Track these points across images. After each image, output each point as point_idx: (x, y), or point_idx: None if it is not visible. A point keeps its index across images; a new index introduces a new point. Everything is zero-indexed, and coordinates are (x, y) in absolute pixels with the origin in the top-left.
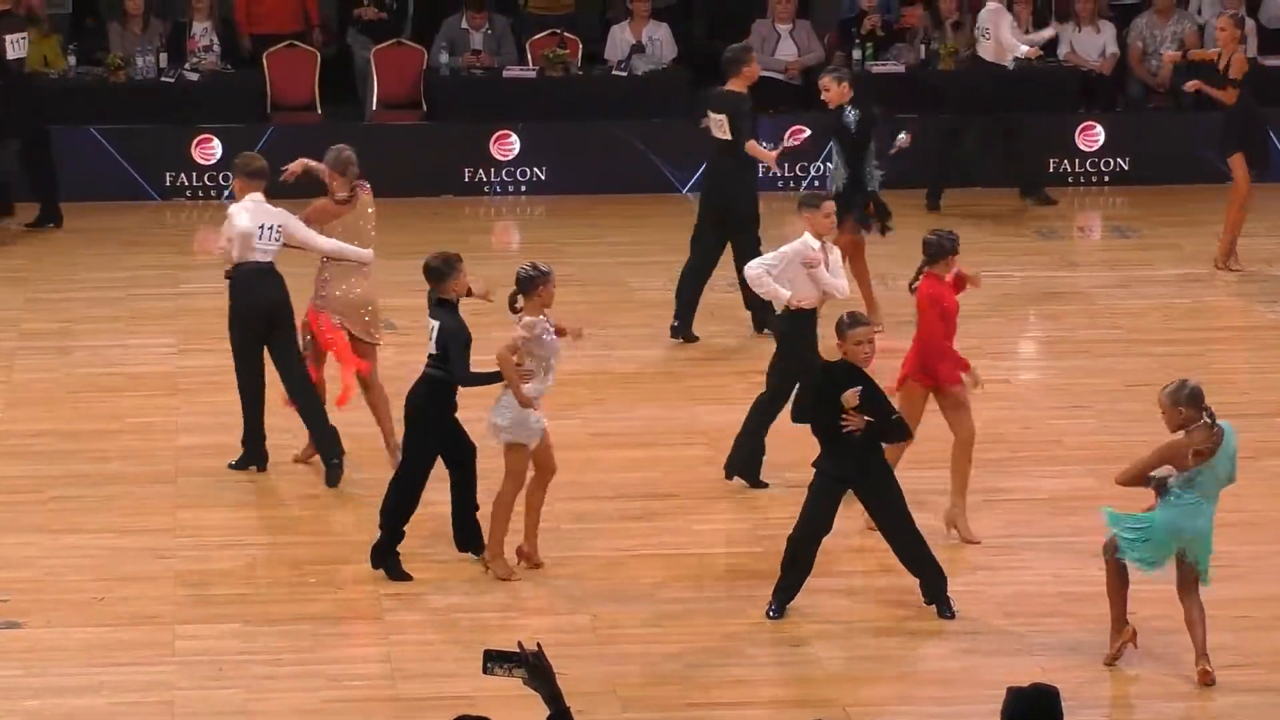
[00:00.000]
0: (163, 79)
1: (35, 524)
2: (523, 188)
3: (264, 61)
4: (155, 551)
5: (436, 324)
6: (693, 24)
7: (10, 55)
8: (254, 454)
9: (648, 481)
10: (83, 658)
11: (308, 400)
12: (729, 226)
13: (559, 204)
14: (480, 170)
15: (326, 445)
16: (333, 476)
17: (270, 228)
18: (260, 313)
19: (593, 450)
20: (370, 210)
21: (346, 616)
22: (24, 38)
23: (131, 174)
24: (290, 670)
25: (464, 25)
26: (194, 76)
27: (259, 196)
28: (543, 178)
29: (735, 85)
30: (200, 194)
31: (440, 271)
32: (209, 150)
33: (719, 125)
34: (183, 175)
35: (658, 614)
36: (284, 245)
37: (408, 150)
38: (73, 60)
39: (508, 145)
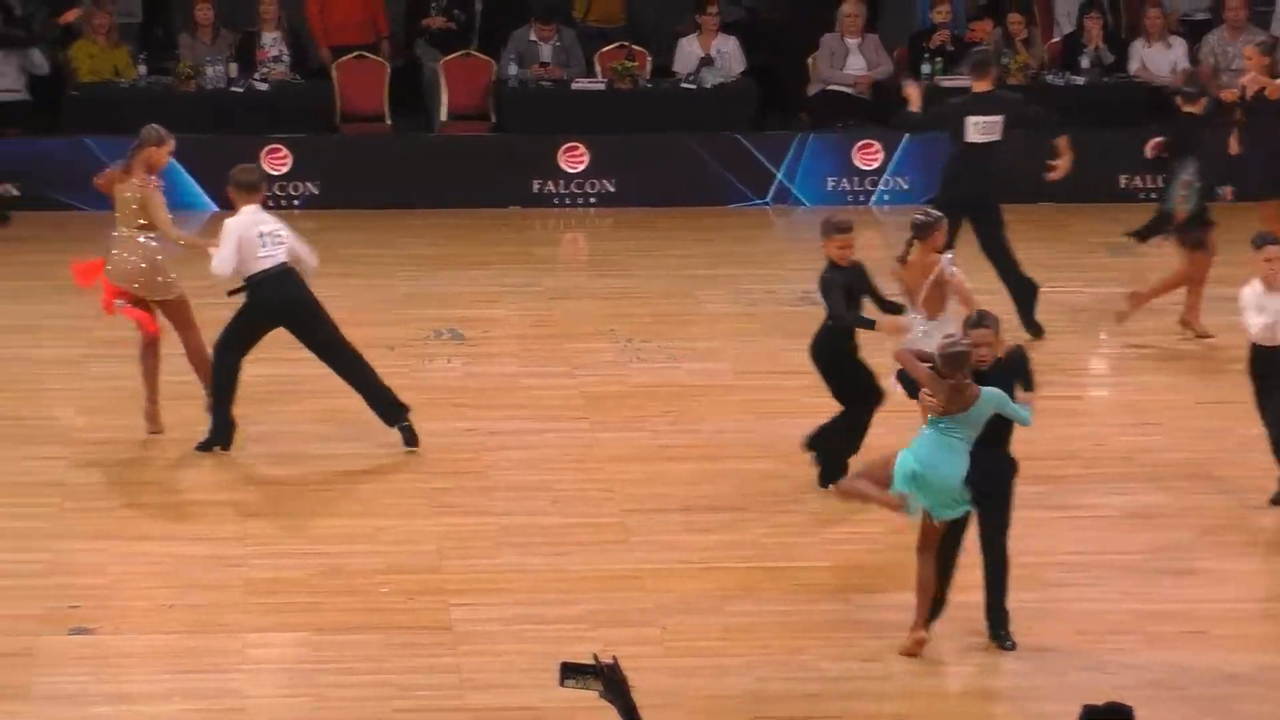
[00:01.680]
0: (232, 89)
1: (106, 531)
2: (591, 200)
3: (333, 72)
4: (225, 559)
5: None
6: (761, 37)
7: None
8: (220, 437)
9: (715, 494)
10: (153, 665)
11: (358, 374)
12: (980, 226)
13: (626, 216)
14: (549, 182)
15: (390, 412)
16: (408, 437)
17: (271, 233)
18: (278, 311)
19: (660, 462)
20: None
21: (417, 626)
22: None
23: (195, 184)
24: (360, 679)
25: (532, 37)
26: (263, 87)
27: (255, 207)
28: (611, 190)
29: (981, 87)
30: (270, 203)
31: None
32: (279, 160)
33: (986, 127)
34: None
35: (726, 627)
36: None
37: (476, 162)
38: (143, 70)
39: (576, 157)
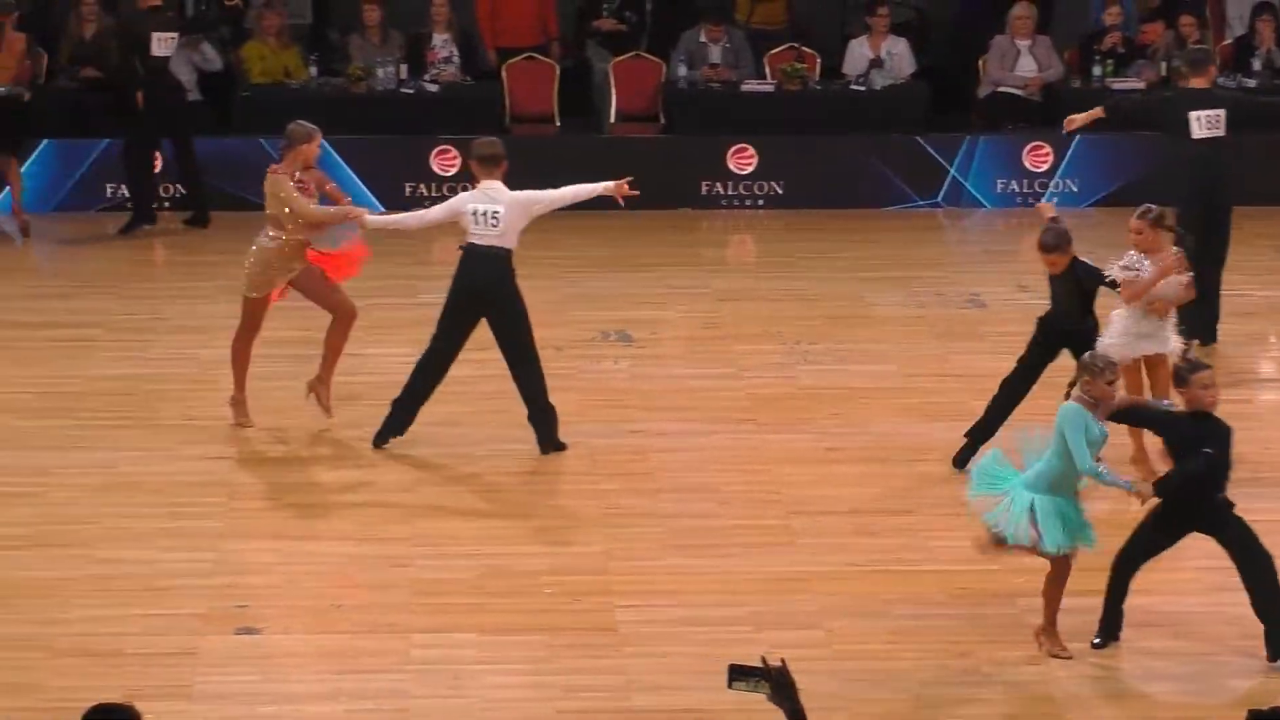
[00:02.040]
0: (402, 90)
1: (273, 530)
2: (760, 201)
3: (503, 74)
4: (392, 559)
5: None
6: (931, 38)
7: (155, 52)
8: (399, 424)
9: (882, 497)
10: (319, 664)
11: (528, 374)
12: (1211, 225)
13: (795, 218)
14: (717, 183)
15: (544, 426)
16: (547, 449)
17: (485, 213)
18: (468, 290)
19: (827, 465)
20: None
21: (581, 627)
22: (173, 38)
23: (361, 185)
24: (525, 680)
25: (702, 38)
26: (433, 88)
27: (491, 184)
28: (779, 191)
29: (1200, 83)
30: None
31: None
32: (448, 161)
33: (1210, 122)
34: (422, 186)
35: (892, 630)
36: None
37: (645, 163)
38: (313, 71)
39: (746, 159)
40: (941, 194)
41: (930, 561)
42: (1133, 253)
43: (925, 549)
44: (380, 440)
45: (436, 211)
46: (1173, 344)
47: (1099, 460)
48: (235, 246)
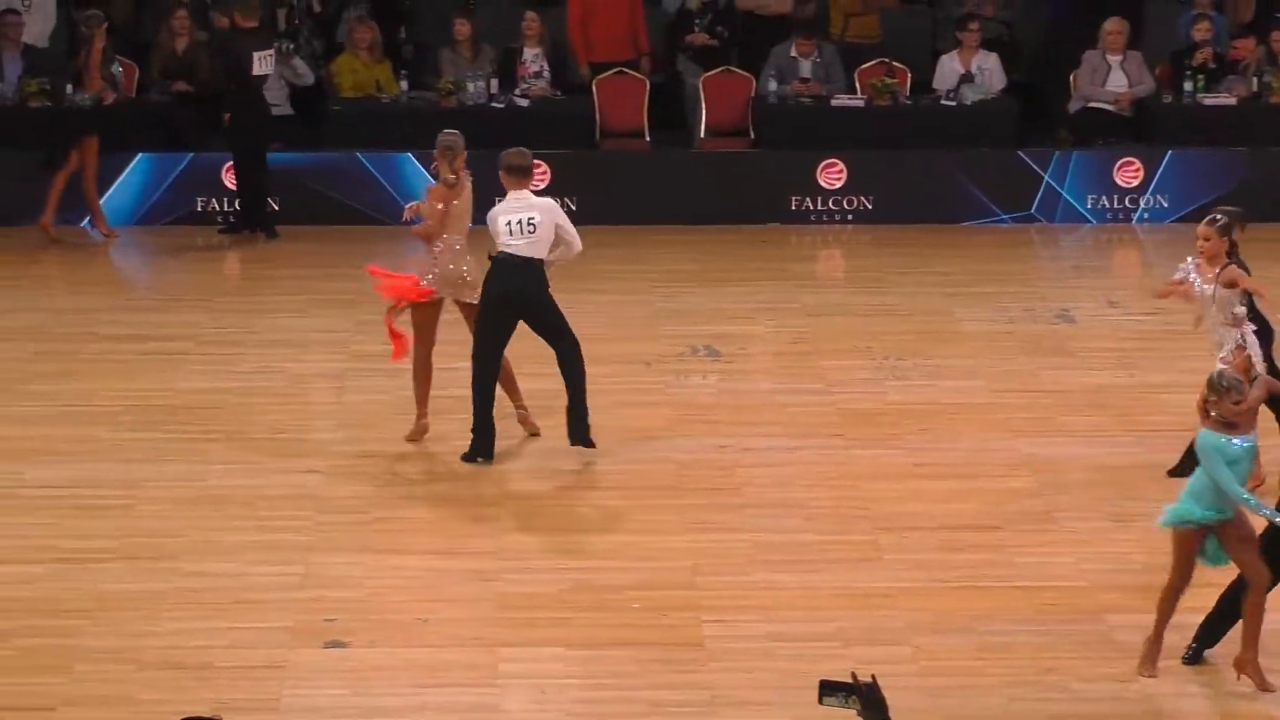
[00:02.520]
0: (492, 104)
1: (361, 544)
2: (849, 216)
3: (594, 88)
4: (479, 573)
5: None
6: (1023, 54)
7: (256, 71)
8: (482, 446)
9: (970, 513)
10: (406, 678)
11: (574, 374)
12: None
13: (884, 233)
14: (807, 198)
15: (580, 430)
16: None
17: (520, 222)
18: (501, 298)
19: (916, 480)
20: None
21: (668, 643)
22: (270, 56)
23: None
24: (612, 695)
25: (793, 53)
26: (524, 103)
27: (522, 193)
28: (869, 206)
29: None
30: None
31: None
32: (537, 176)
33: None
34: None
35: (980, 646)
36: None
37: (735, 178)
38: (404, 85)
39: (835, 174)
40: (1031, 209)
41: (1018, 578)
42: (1190, 259)
43: (1013, 565)
44: (470, 457)
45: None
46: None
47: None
48: (324, 261)
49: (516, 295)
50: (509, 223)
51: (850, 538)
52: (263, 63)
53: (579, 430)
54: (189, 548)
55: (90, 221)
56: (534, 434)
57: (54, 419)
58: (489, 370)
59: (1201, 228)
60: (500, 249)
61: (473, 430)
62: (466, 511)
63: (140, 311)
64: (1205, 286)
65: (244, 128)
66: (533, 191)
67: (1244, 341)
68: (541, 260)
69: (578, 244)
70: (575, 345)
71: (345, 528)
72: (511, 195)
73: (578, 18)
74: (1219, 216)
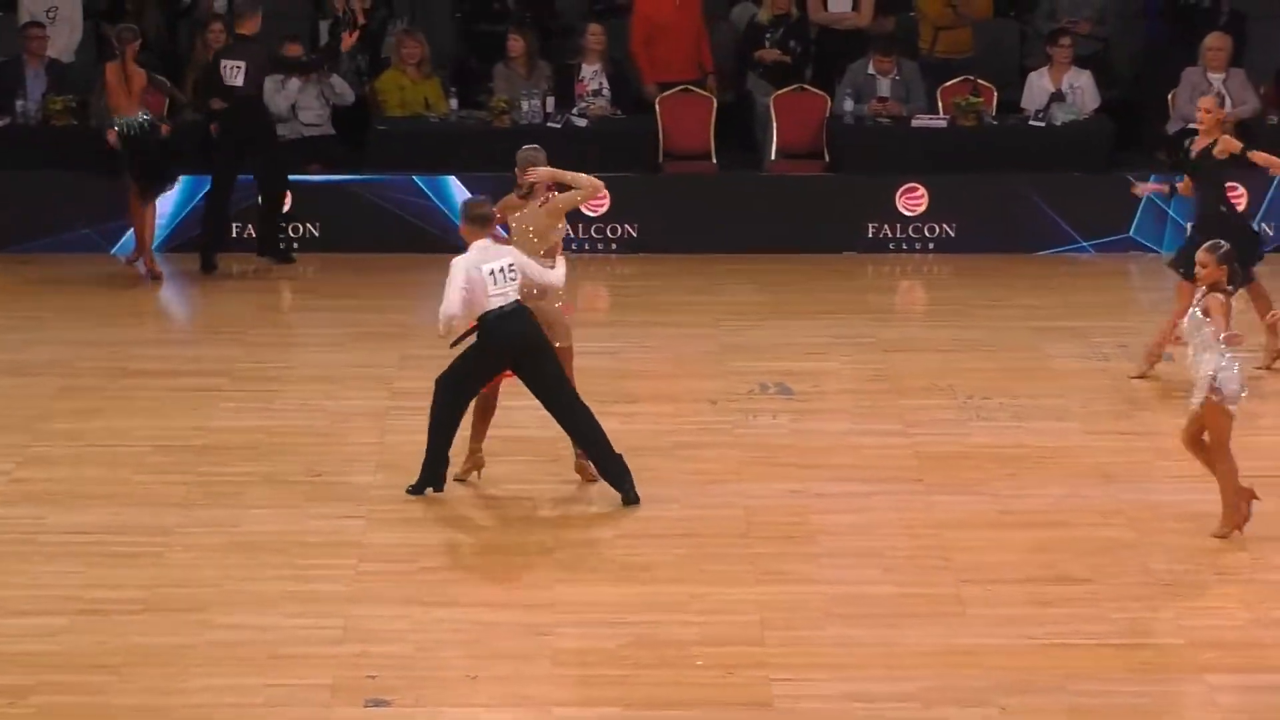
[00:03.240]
0: (548, 124)
1: (406, 596)
2: (930, 244)
3: (657, 107)
4: (532, 627)
5: None
6: (1117, 71)
7: (227, 81)
8: (433, 477)
9: (1060, 564)
10: None
11: (582, 425)
12: None
13: (968, 262)
14: (885, 225)
15: (615, 471)
16: (630, 497)
17: (502, 269)
18: (504, 349)
19: (1001, 529)
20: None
21: (735, 703)
22: (239, 67)
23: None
24: None
25: (870, 70)
26: (582, 122)
27: (485, 243)
28: (951, 234)
29: None
30: (585, 247)
31: None
32: (596, 201)
33: None
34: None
35: (1070, 708)
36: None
37: (808, 203)
38: (454, 104)
39: (915, 199)
40: (1128, 236)
41: (1112, 634)
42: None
43: (1106, 620)
44: (417, 490)
45: (456, 290)
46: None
47: None
48: (366, 291)
49: (517, 346)
50: (491, 272)
51: (931, 590)
52: (232, 73)
53: (623, 483)
54: (222, 598)
55: (138, 258)
56: (592, 480)
57: (78, 459)
58: (460, 409)
59: (1201, 254)
60: (492, 302)
61: (426, 463)
62: (518, 560)
63: (172, 345)
64: (1194, 310)
65: (222, 143)
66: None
67: (1217, 383)
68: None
69: (552, 276)
70: (576, 409)
71: (388, 577)
72: (477, 246)
73: (641, 36)
74: (1221, 243)
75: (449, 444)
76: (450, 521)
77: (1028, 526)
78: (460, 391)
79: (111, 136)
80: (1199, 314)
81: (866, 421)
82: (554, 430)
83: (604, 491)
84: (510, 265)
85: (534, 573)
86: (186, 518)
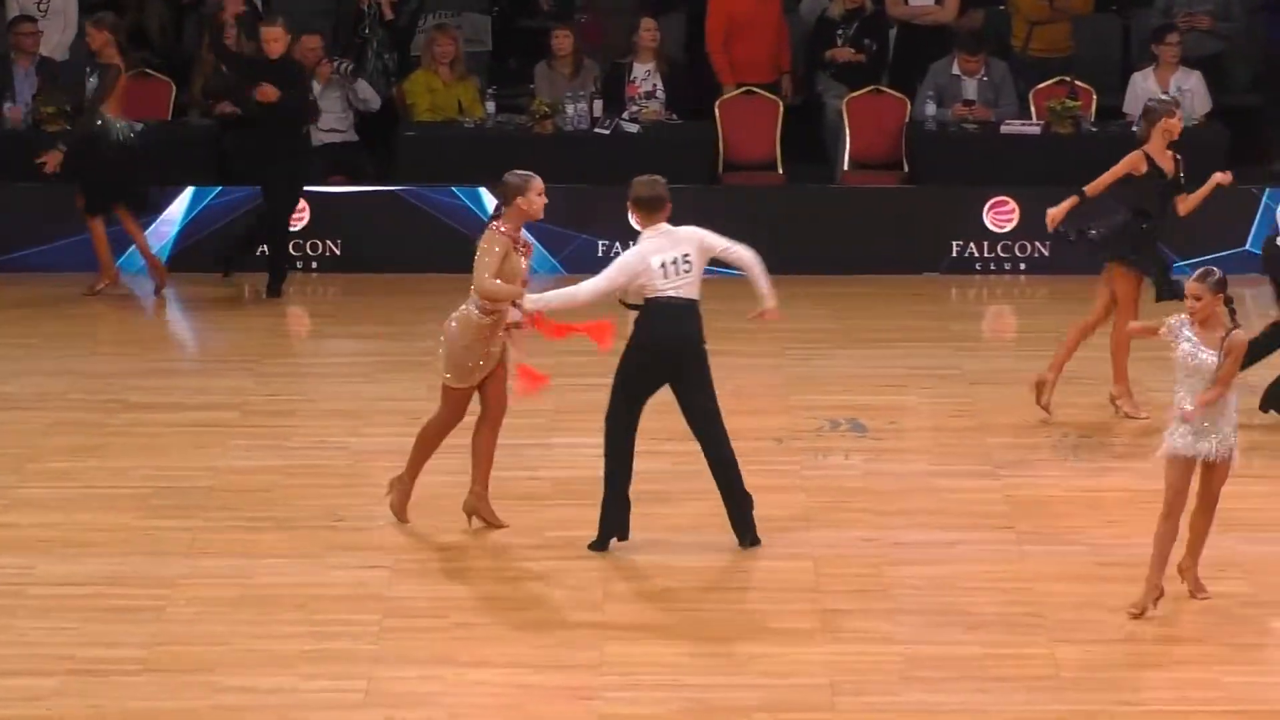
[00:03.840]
0: (596, 130)
1: (436, 654)
2: (1021, 265)
3: (716, 112)
4: (576, 691)
5: None
6: (1232, 72)
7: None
8: (614, 525)
9: (1168, 622)
10: None
11: (724, 466)
12: None
13: (1064, 285)
14: (971, 244)
15: (742, 526)
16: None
17: (674, 261)
18: (662, 351)
19: (1100, 583)
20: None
21: None
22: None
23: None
24: None
25: (955, 70)
26: (633, 128)
27: (661, 229)
28: (1045, 254)
29: None
30: None
31: None
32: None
33: None
34: (618, 244)
35: None
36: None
37: (885, 218)
38: (491, 108)
39: (1005, 214)
40: (1244, 250)
41: (1225, 700)
42: (1180, 318)
43: (1219, 686)
44: (600, 545)
45: (613, 275)
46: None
47: None
48: (393, 316)
49: (675, 348)
50: (662, 263)
51: (1022, 651)
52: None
53: (747, 532)
54: (231, 658)
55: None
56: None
57: (72, 503)
58: (629, 437)
59: (1191, 284)
60: (655, 293)
61: (602, 511)
62: (561, 615)
63: (176, 375)
64: (1205, 356)
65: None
66: (666, 225)
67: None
68: (698, 302)
69: (747, 251)
70: (726, 441)
71: (416, 634)
72: (649, 232)
73: (719, 34)
74: (1213, 270)
75: (625, 480)
76: (485, 572)
77: (1131, 580)
78: (623, 417)
79: (53, 161)
80: (1217, 355)
81: (949, 462)
82: (595, 471)
83: (654, 539)
84: (686, 256)
85: (578, 629)
86: (192, 568)
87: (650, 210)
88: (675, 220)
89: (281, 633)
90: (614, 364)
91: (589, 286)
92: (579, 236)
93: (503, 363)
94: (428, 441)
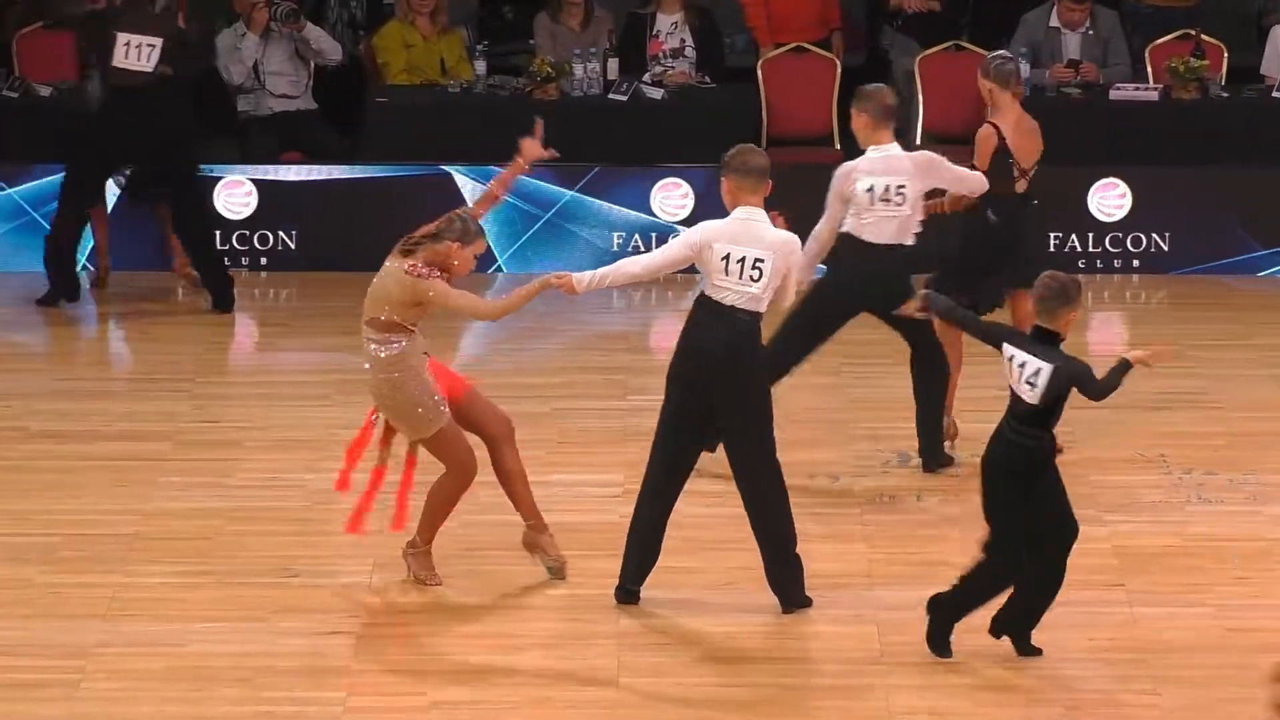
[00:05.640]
0: (611, 96)
1: None
2: (1134, 261)
3: (759, 73)
4: None
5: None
6: None
7: (123, 63)
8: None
9: None
10: None
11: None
12: None
13: (1185, 287)
14: (1072, 234)
15: (786, 579)
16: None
17: (743, 260)
18: (695, 357)
19: (1230, 653)
20: None
21: None
22: (153, 46)
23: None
24: None
25: (1053, 22)
26: (656, 94)
27: (750, 213)
28: (1164, 247)
29: None
30: None
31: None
32: (677, 201)
33: None
34: (637, 236)
35: None
36: None
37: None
38: (481, 68)
39: (1116, 199)
40: None
41: None
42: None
43: None
44: (624, 596)
45: (674, 250)
46: None
47: None
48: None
49: (719, 359)
50: (729, 256)
51: None
52: (136, 53)
53: (790, 592)
54: None
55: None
56: (557, 573)
57: None
58: (664, 467)
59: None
60: (710, 289)
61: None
62: (562, 693)
63: (92, 398)
64: None
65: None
66: (760, 211)
67: None
68: (760, 316)
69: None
70: (781, 492)
71: (387, 717)
72: (739, 214)
73: None
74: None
75: (647, 522)
76: (473, 639)
77: (1266, 650)
78: (662, 443)
79: None
80: None
81: None
82: (616, 515)
83: (682, 598)
84: (759, 261)
85: (587, 710)
86: (112, 634)
87: (743, 184)
88: (705, 202)
89: (220, 714)
90: (627, 383)
91: (644, 261)
92: (587, 223)
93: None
94: (444, 502)
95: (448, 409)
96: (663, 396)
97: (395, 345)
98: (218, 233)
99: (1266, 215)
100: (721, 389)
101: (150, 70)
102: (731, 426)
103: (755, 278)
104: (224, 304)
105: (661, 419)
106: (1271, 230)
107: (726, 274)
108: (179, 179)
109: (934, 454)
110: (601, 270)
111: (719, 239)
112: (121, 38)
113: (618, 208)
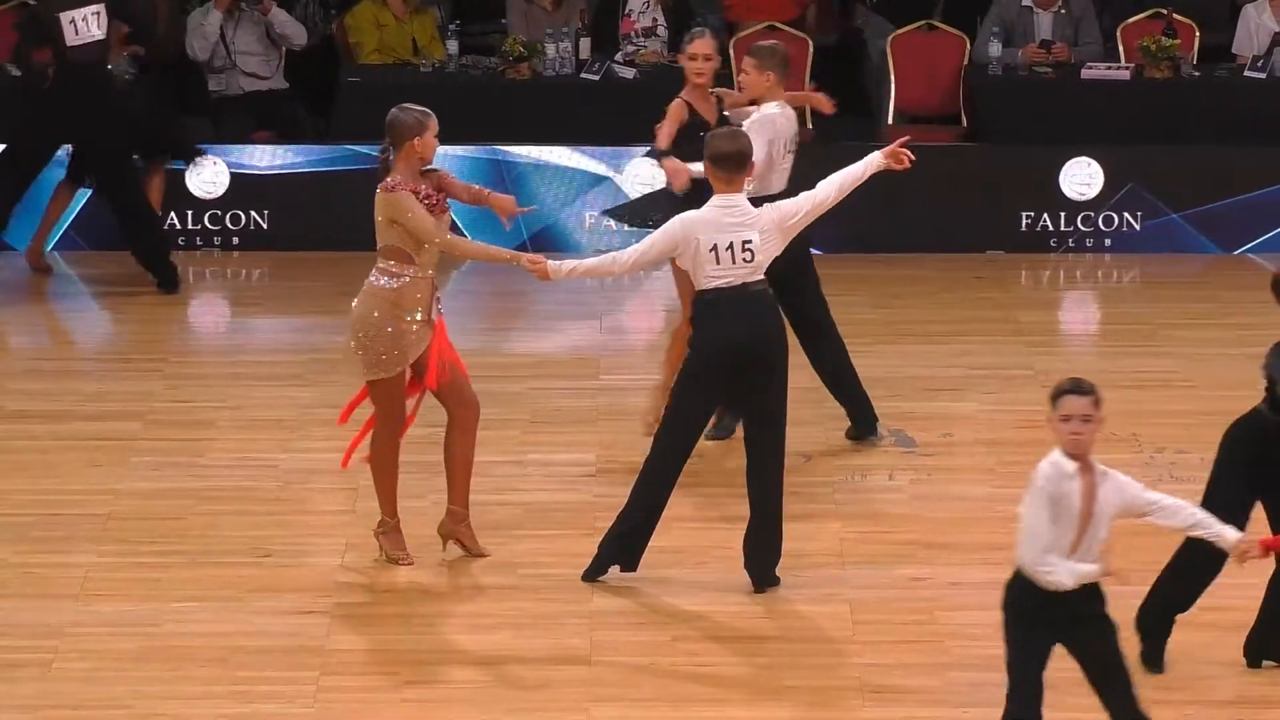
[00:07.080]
0: (583, 75)
1: None
2: (1106, 241)
3: (730, 53)
4: None
5: None
6: None
7: (76, 40)
8: (617, 553)
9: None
10: None
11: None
12: None
13: (1158, 266)
14: (1044, 215)
15: (767, 550)
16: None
17: (731, 246)
18: (726, 350)
19: (1203, 630)
20: None
21: None
22: (96, 13)
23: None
24: None
25: (1026, 2)
26: (629, 73)
27: (734, 200)
28: (1135, 227)
29: None
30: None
31: None
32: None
33: None
34: (611, 220)
35: None
36: None
37: (940, 183)
38: (453, 48)
39: (1086, 179)
40: None
41: None
42: None
43: None
44: (593, 574)
45: (654, 240)
46: None
47: None
48: (339, 303)
49: (753, 347)
50: (715, 246)
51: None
52: (81, 25)
53: (764, 569)
54: None
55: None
56: (477, 554)
57: None
58: (673, 459)
59: None
60: (711, 283)
61: (611, 531)
62: (535, 673)
63: (64, 377)
64: None
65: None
66: (740, 196)
67: None
68: (766, 282)
69: (825, 199)
70: (780, 469)
71: (360, 697)
72: (719, 202)
73: None
74: None
75: (653, 509)
76: (446, 619)
77: (1239, 628)
78: (676, 431)
79: None
80: None
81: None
82: (589, 495)
83: (654, 576)
84: (746, 242)
85: (560, 689)
86: (84, 614)
87: (717, 173)
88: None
89: (194, 693)
90: (600, 362)
91: (625, 255)
92: (560, 207)
93: (441, 346)
94: (381, 464)
95: (406, 371)
96: (659, 387)
97: (389, 280)
98: (189, 212)
99: (1239, 194)
100: (766, 370)
101: (104, 35)
102: (766, 401)
103: (748, 259)
104: (170, 285)
105: (685, 415)
106: (1248, 209)
107: (719, 263)
108: (107, 164)
109: (866, 420)
110: (581, 261)
111: (702, 230)
112: (65, 18)
113: (594, 191)
